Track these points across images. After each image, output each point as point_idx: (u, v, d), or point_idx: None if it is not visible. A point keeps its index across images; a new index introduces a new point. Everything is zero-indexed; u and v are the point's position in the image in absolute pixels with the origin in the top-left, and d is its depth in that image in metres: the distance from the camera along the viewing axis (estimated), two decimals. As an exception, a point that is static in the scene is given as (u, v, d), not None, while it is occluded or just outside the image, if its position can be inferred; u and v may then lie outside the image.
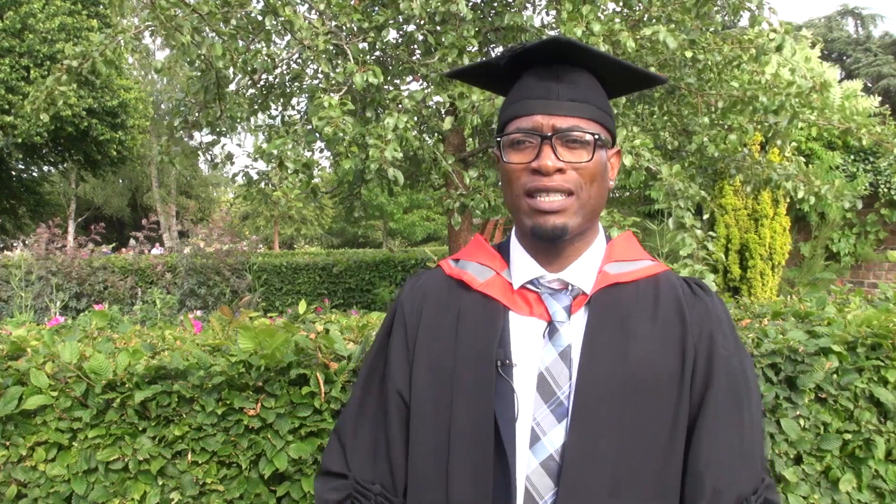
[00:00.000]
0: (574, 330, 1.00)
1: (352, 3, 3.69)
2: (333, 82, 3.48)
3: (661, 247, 4.99)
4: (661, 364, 0.98)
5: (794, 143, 6.27)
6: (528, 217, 0.99)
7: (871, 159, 6.73)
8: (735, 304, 2.87)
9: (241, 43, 3.77)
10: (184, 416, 1.72)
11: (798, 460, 1.83)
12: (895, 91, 23.00)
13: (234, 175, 4.90)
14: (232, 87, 4.24)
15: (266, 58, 3.77)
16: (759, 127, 4.13)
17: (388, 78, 4.44)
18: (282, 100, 5.02)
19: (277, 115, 5.32)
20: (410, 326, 1.08)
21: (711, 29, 4.03)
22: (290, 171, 3.24)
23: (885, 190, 6.73)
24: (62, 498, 1.72)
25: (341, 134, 3.04)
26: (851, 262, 6.96)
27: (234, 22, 3.64)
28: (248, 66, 3.74)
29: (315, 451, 1.72)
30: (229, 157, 4.90)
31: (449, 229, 5.36)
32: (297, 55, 4.05)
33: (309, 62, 4.15)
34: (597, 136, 0.97)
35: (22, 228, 16.61)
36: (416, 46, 4.62)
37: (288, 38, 3.89)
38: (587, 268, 1.04)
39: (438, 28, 3.85)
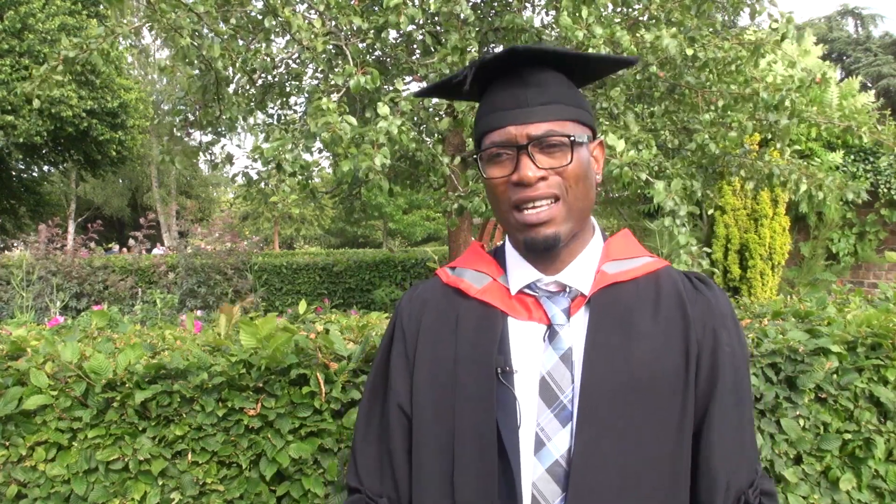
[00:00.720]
0: (574, 332, 0.98)
1: (352, 3, 3.69)
2: (332, 83, 3.48)
3: (660, 247, 4.99)
4: (665, 362, 0.96)
5: (794, 146, 6.27)
6: (518, 231, 0.98)
7: (871, 159, 6.73)
8: (735, 304, 2.87)
9: (240, 42, 3.77)
10: (184, 416, 1.72)
11: (798, 460, 1.83)
12: (895, 91, 22.99)
13: (234, 175, 4.90)
14: (231, 87, 4.24)
15: (265, 57, 3.77)
16: (758, 125, 4.12)
17: (388, 78, 4.44)
18: (280, 99, 5.02)
19: (275, 115, 5.32)
20: (410, 336, 1.08)
21: (711, 29, 4.03)
22: (287, 174, 3.24)
23: (885, 190, 6.73)
24: (62, 498, 1.72)
25: (340, 137, 3.03)
26: (851, 262, 6.96)
27: (233, 21, 3.64)
28: (248, 66, 3.74)
29: (315, 450, 1.72)
30: (229, 157, 4.90)
31: (448, 230, 5.36)
32: (296, 55, 4.05)
33: (308, 62, 4.15)
34: (572, 138, 0.96)
35: (22, 228, 16.61)
36: (415, 46, 4.62)
37: (287, 37, 3.89)
38: (584, 268, 1.03)
39: (439, 29, 3.85)
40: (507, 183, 0.97)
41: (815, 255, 6.69)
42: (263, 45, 3.83)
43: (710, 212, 6.23)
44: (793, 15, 3.79)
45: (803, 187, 4.03)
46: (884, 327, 1.88)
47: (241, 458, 1.73)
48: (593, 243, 1.05)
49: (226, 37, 3.58)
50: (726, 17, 4.41)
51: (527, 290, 1.03)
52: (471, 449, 0.96)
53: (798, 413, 1.81)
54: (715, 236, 6.22)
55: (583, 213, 1.00)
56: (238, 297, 6.82)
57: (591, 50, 3.23)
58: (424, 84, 4.48)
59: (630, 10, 4.03)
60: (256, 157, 3.46)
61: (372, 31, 3.68)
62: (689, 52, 3.54)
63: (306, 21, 3.53)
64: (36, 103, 3.44)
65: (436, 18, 4.16)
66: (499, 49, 4.53)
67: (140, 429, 1.73)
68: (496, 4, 4.60)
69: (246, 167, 4.57)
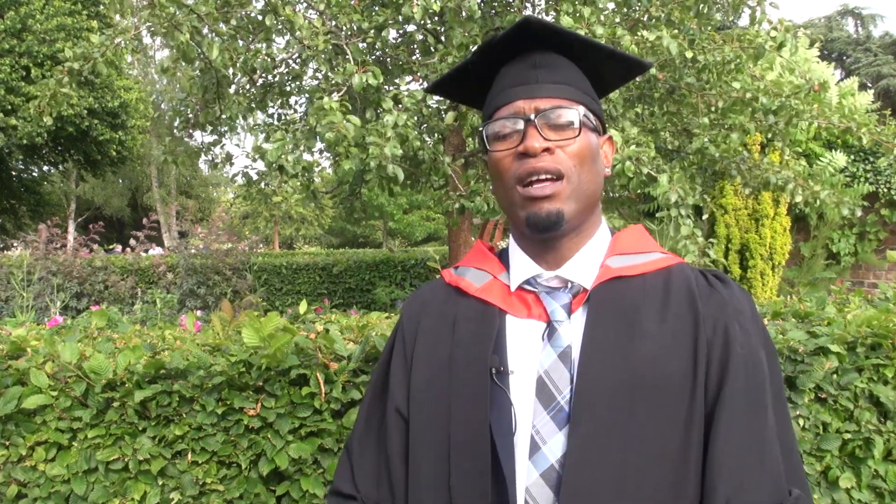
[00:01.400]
0: (574, 329, 0.94)
1: (352, 2, 3.69)
2: (333, 83, 3.48)
3: (662, 244, 4.99)
4: (671, 363, 0.90)
5: (794, 144, 6.28)
6: (521, 208, 0.95)
7: (871, 159, 6.73)
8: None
9: (240, 43, 3.77)
10: (184, 415, 1.72)
11: (798, 460, 1.83)
12: (895, 91, 22.99)
13: (234, 175, 4.91)
14: (232, 87, 4.24)
15: (266, 57, 3.77)
16: (758, 126, 4.13)
17: (388, 77, 4.44)
18: (280, 99, 5.02)
19: (275, 115, 5.33)
20: (409, 337, 1.05)
21: (710, 28, 4.03)
22: (290, 175, 3.24)
23: (885, 190, 6.73)
24: (62, 498, 1.72)
25: (344, 136, 3.03)
26: (851, 262, 6.96)
27: (234, 22, 3.65)
28: (248, 66, 3.74)
29: (315, 451, 1.72)
30: (228, 157, 4.91)
31: (449, 230, 5.36)
32: (296, 55, 4.05)
33: (309, 62, 4.15)
34: (583, 114, 0.95)
35: (22, 228, 16.60)
36: (415, 46, 4.62)
37: (288, 37, 3.89)
38: (587, 263, 0.98)
39: (441, 27, 3.85)
40: (511, 156, 0.94)
41: (815, 255, 6.70)
42: (264, 45, 3.83)
43: (706, 216, 6.23)
44: (791, 23, 3.79)
45: (798, 197, 4.06)
46: (884, 327, 1.88)
47: (240, 458, 1.73)
48: (598, 237, 1.01)
49: (226, 37, 3.58)
50: (726, 18, 4.40)
51: (527, 287, 0.99)
52: (465, 453, 0.93)
53: (798, 413, 1.81)
54: (715, 236, 6.22)
55: (589, 198, 0.96)
56: (237, 298, 6.82)
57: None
58: (425, 84, 4.48)
59: (630, 10, 4.03)
60: (258, 157, 3.46)
61: (372, 31, 3.68)
62: (689, 54, 3.55)
63: (306, 20, 3.53)
64: (48, 120, 3.46)
65: (436, 18, 4.16)
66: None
67: (140, 429, 1.73)
68: (496, 4, 4.60)
69: (246, 167, 4.57)
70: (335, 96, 3.36)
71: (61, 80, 3.39)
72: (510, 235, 1.08)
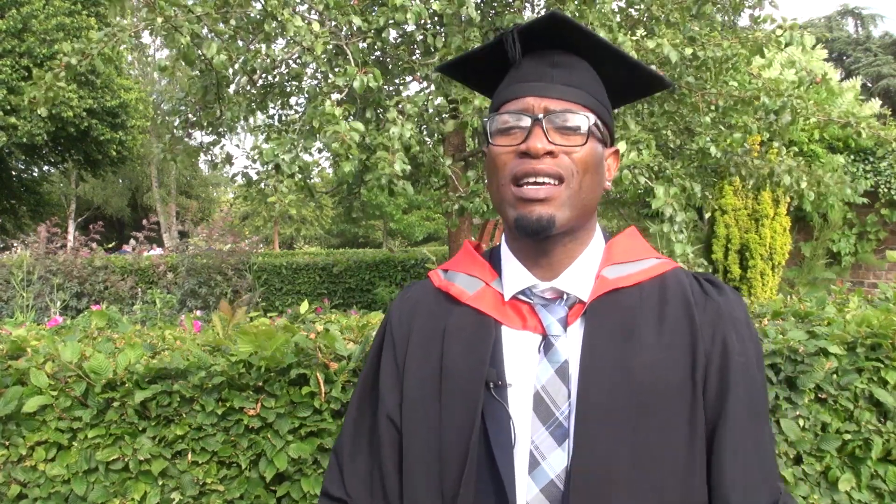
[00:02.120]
0: (571, 343, 0.92)
1: (351, 2, 3.69)
2: (333, 84, 3.48)
3: (659, 248, 4.99)
4: (670, 374, 0.89)
5: (795, 148, 6.28)
6: (512, 207, 0.91)
7: (872, 159, 6.74)
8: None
9: (240, 43, 3.77)
10: (184, 415, 1.72)
11: (798, 460, 1.83)
12: (895, 91, 22.99)
13: (234, 175, 4.91)
14: (232, 87, 4.24)
15: (265, 58, 3.77)
16: (759, 126, 4.13)
17: (388, 78, 4.43)
18: (280, 99, 5.02)
19: (275, 115, 5.33)
20: (399, 342, 1.02)
21: (709, 28, 4.03)
22: (286, 175, 3.24)
23: (885, 190, 6.73)
24: (62, 498, 1.72)
25: (349, 146, 3.02)
26: (852, 262, 6.96)
27: (233, 22, 3.64)
28: (248, 66, 3.74)
29: (315, 451, 1.72)
30: (228, 158, 4.91)
31: (448, 230, 5.36)
32: (296, 55, 4.05)
33: (308, 62, 4.15)
34: (593, 122, 0.91)
35: (22, 228, 16.61)
36: (416, 46, 4.62)
37: (287, 38, 3.89)
38: (583, 273, 0.96)
39: (441, 29, 3.85)
40: (512, 153, 0.91)
41: (815, 255, 6.70)
42: (263, 46, 3.83)
43: (708, 215, 6.24)
44: (796, 21, 3.79)
45: (803, 184, 4.03)
46: (884, 327, 1.88)
47: (240, 458, 1.73)
48: (593, 245, 0.98)
49: (226, 37, 3.58)
50: (726, 18, 4.40)
51: (521, 297, 0.96)
52: (461, 467, 0.90)
53: (798, 413, 1.81)
54: (715, 236, 6.22)
55: (585, 207, 0.93)
56: (237, 297, 6.82)
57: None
58: (424, 84, 4.48)
59: (631, 9, 4.03)
60: (255, 156, 3.46)
61: (372, 31, 3.68)
62: (689, 51, 3.54)
63: (306, 22, 3.53)
64: (43, 111, 3.45)
65: (436, 18, 4.16)
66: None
67: (140, 429, 1.73)
68: (496, 4, 4.60)
69: (246, 167, 4.57)
70: (335, 96, 3.36)
71: (58, 75, 3.38)
72: (502, 239, 1.04)
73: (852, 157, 6.73)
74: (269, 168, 3.28)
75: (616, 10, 4.12)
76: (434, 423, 0.94)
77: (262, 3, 3.58)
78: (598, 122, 0.94)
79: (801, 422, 1.81)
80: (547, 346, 0.92)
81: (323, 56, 3.52)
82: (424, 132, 4.47)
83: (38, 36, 13.37)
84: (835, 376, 1.83)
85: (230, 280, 7.01)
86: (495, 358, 0.93)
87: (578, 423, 0.87)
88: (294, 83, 4.91)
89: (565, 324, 0.93)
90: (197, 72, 4.03)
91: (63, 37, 13.12)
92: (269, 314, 2.68)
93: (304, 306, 2.73)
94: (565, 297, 0.95)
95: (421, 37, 4.22)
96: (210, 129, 4.45)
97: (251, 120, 4.74)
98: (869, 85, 22.94)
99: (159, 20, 3.09)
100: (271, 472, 1.70)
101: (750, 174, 4.36)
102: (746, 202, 6.15)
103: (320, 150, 5.61)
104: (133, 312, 5.85)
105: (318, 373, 1.72)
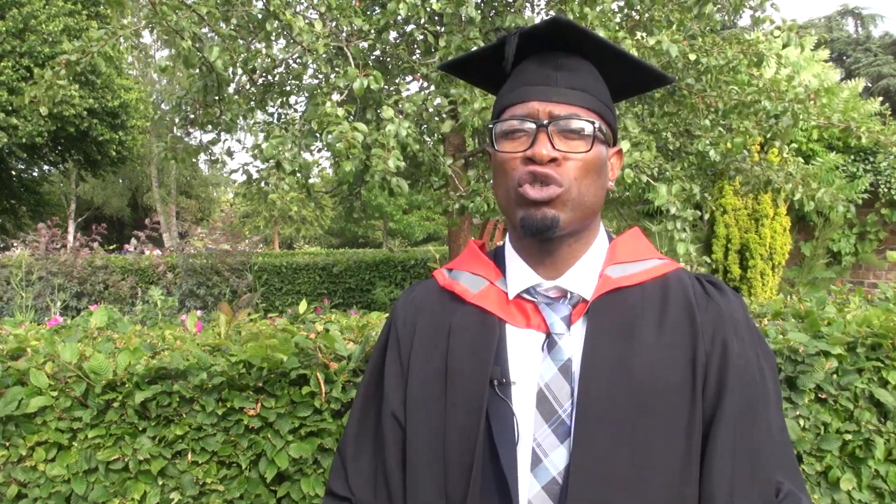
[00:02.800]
0: (574, 342, 0.93)
1: (353, 3, 3.69)
2: (334, 85, 3.48)
3: (660, 247, 4.99)
4: (671, 373, 0.90)
5: (794, 145, 6.28)
6: (518, 208, 0.93)
7: (871, 159, 6.74)
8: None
9: (240, 42, 3.77)
10: (184, 416, 1.72)
11: (798, 460, 1.83)
12: (895, 91, 22.99)
13: (233, 171, 4.91)
14: (232, 86, 4.24)
15: (266, 57, 3.77)
16: (760, 129, 4.14)
17: (388, 78, 4.43)
18: (280, 98, 5.02)
19: (275, 114, 5.33)
20: (404, 341, 1.03)
21: (709, 28, 4.04)
22: (287, 172, 3.23)
23: (885, 190, 6.73)
24: (62, 498, 1.72)
25: (353, 146, 3.02)
26: (852, 262, 6.96)
27: (234, 21, 3.64)
28: (248, 66, 3.74)
29: (315, 451, 1.72)
30: (229, 152, 4.90)
31: (448, 230, 5.36)
32: (297, 55, 4.05)
33: (309, 62, 4.15)
34: (597, 126, 0.92)
35: (22, 228, 16.62)
36: (416, 46, 4.62)
37: (289, 38, 3.89)
38: (587, 272, 0.97)
39: (441, 29, 3.85)
40: (517, 159, 0.92)
41: (815, 255, 6.70)
42: (264, 45, 3.83)
43: (707, 216, 6.23)
44: (795, 22, 3.78)
45: (798, 195, 4.07)
46: (884, 327, 1.88)
47: (240, 458, 1.73)
48: (597, 245, 0.99)
49: (226, 37, 3.58)
50: (726, 18, 4.40)
51: (525, 296, 0.97)
52: (465, 464, 0.91)
53: (798, 413, 1.81)
54: (715, 236, 6.22)
55: (589, 208, 0.94)
56: (236, 298, 6.82)
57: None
58: (425, 84, 4.48)
59: (632, 10, 4.03)
60: (256, 154, 3.46)
61: (373, 32, 3.68)
62: (692, 56, 3.55)
63: (307, 21, 3.53)
64: (44, 110, 3.44)
65: (436, 18, 4.16)
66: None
67: (140, 429, 1.73)
68: (496, 4, 4.60)
69: (246, 164, 4.57)
70: (335, 97, 3.36)
71: (58, 73, 3.37)
72: (507, 238, 1.05)
73: (852, 156, 6.73)
74: (270, 165, 3.27)
75: (616, 9, 4.12)
76: (438, 421, 0.95)
77: (264, 2, 3.58)
78: (602, 126, 0.94)
79: (801, 422, 1.81)
80: (550, 344, 0.93)
81: (324, 56, 3.52)
82: (424, 131, 4.47)
83: (39, 36, 13.38)
84: (835, 376, 1.83)
85: (228, 281, 7.01)
86: (499, 356, 0.94)
87: (579, 420, 0.88)
88: (294, 82, 4.91)
89: (569, 322, 0.94)
90: (197, 71, 4.03)
91: (64, 38, 13.13)
92: (269, 314, 2.68)
93: (304, 306, 2.73)
94: (569, 295, 0.96)
95: (421, 37, 4.22)
96: (210, 127, 4.45)
97: (251, 119, 4.74)
98: (869, 85, 22.95)
99: (163, 22, 3.09)
100: (271, 472, 1.70)
101: (748, 180, 4.38)
102: (746, 202, 6.15)
103: (320, 150, 5.61)
104: (133, 313, 5.85)
105: (318, 373, 1.72)
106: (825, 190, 4.12)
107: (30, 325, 2.37)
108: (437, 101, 3.74)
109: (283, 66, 4.55)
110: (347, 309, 7.62)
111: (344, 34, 3.72)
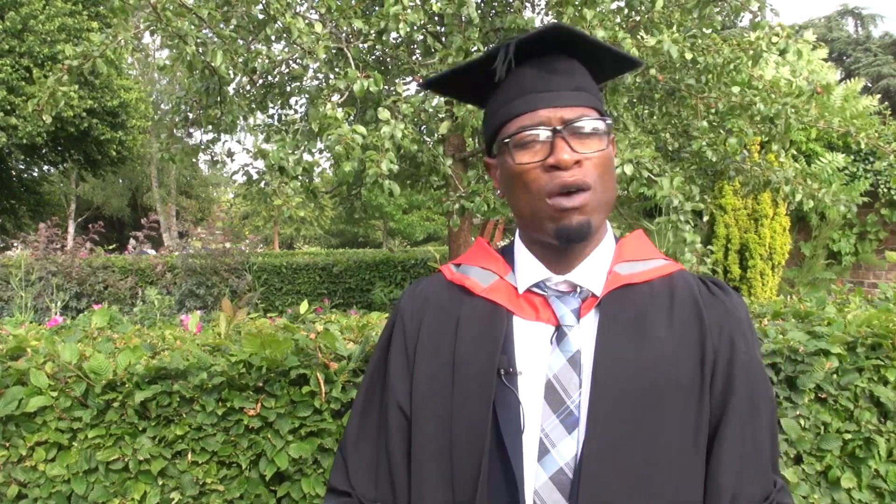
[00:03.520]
0: (584, 334, 0.94)
1: (352, 3, 3.68)
2: (334, 87, 3.47)
3: (659, 247, 4.99)
4: (679, 369, 0.92)
5: (794, 144, 6.28)
6: (550, 220, 0.92)
7: (871, 159, 6.74)
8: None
9: (240, 42, 3.77)
10: (184, 416, 1.72)
11: (798, 460, 1.83)
12: (895, 91, 22.99)
13: (234, 173, 4.92)
14: (232, 87, 4.24)
15: (266, 58, 3.77)
16: (757, 131, 4.15)
17: (388, 78, 4.43)
18: (281, 99, 5.02)
19: (276, 115, 5.33)
20: (410, 334, 1.03)
21: (710, 30, 4.03)
22: (290, 177, 3.23)
23: (885, 190, 6.73)
24: (63, 498, 1.72)
25: (352, 148, 3.02)
26: (852, 262, 6.96)
27: (234, 21, 3.64)
28: (248, 66, 3.74)
29: (315, 450, 1.72)
30: (229, 153, 4.91)
31: (449, 230, 5.36)
32: (297, 56, 4.05)
33: (309, 64, 4.15)
34: (608, 122, 0.94)
35: (22, 228, 16.62)
36: (416, 47, 4.62)
37: (289, 40, 3.89)
38: (596, 268, 0.98)
39: (441, 29, 3.85)
40: (538, 168, 0.92)
41: (815, 255, 6.70)
42: (264, 47, 3.83)
43: (706, 218, 6.23)
44: (793, 28, 3.78)
45: (798, 196, 4.07)
46: (884, 327, 1.88)
47: (240, 458, 1.73)
48: (605, 242, 1.01)
49: (227, 39, 3.58)
50: (726, 18, 4.40)
51: (535, 290, 0.99)
52: (471, 453, 0.92)
53: (798, 413, 1.81)
54: (715, 236, 6.22)
55: (608, 205, 0.96)
56: (236, 298, 6.82)
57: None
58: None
59: (633, 12, 4.03)
60: (259, 157, 3.46)
61: (373, 34, 3.68)
62: (689, 56, 3.55)
63: (307, 23, 3.53)
64: (48, 118, 3.45)
65: (436, 18, 4.16)
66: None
67: (140, 429, 1.73)
68: (496, 4, 4.60)
69: (246, 165, 4.57)
70: (336, 98, 3.36)
71: (60, 79, 3.38)
72: (517, 236, 1.06)
73: (852, 156, 6.73)
74: (274, 170, 3.27)
75: (615, 9, 4.12)
76: (445, 412, 0.95)
77: (264, 4, 3.58)
78: (608, 120, 0.96)
79: (801, 421, 1.81)
80: (560, 335, 0.94)
81: (324, 57, 3.52)
82: (424, 132, 4.47)
83: (38, 36, 13.38)
84: (835, 376, 1.83)
85: (227, 280, 7.00)
86: (506, 346, 0.95)
87: (591, 410, 0.89)
88: (294, 83, 4.91)
89: (578, 315, 0.96)
90: (197, 72, 4.03)
91: (65, 38, 13.13)
92: (269, 314, 2.68)
93: (304, 306, 2.73)
94: (579, 290, 0.98)
95: (421, 37, 4.22)
96: (210, 127, 4.45)
97: (251, 120, 4.74)
98: (869, 85, 22.95)
99: (166, 28, 3.09)
100: (271, 471, 1.71)
101: (747, 181, 4.38)
102: (746, 202, 6.15)
103: (321, 151, 5.61)
104: (133, 313, 5.85)
105: (318, 373, 1.72)
106: (825, 190, 4.12)
107: (30, 325, 2.37)
108: (436, 101, 3.74)
109: (284, 66, 4.55)
110: (347, 309, 7.62)
111: (344, 35, 3.72)
